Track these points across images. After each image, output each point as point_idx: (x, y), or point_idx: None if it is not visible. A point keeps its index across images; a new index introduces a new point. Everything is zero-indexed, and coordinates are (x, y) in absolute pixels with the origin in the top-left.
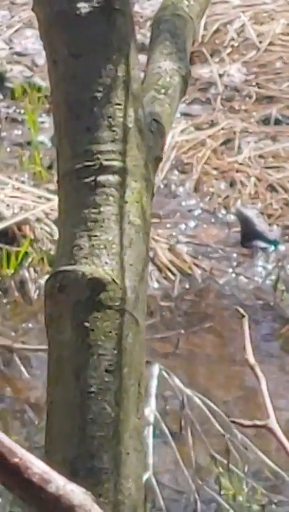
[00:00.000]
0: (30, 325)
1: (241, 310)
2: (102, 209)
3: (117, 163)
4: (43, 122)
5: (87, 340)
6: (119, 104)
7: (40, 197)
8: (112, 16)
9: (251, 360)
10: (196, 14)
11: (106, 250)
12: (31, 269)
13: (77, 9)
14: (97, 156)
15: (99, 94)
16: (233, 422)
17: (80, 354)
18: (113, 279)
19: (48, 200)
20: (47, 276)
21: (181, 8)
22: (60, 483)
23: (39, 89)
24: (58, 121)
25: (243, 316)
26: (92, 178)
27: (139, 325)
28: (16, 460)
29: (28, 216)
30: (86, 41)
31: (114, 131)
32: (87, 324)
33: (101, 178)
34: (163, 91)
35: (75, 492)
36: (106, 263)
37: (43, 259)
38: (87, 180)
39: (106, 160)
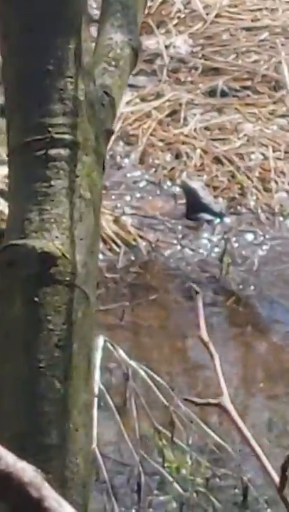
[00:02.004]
0: None
1: (196, 287)
2: (52, 183)
3: (68, 137)
4: None
5: (37, 315)
6: (70, 77)
7: None
8: None
9: (205, 337)
10: None
11: (56, 224)
12: None
13: None
14: (48, 130)
15: (50, 67)
16: (186, 399)
17: (29, 329)
18: (63, 254)
19: None
20: None
21: None
22: (9, 461)
23: None
24: (9, 95)
25: (197, 293)
26: (43, 151)
27: (90, 300)
28: None
29: None
30: (38, 14)
31: (65, 104)
32: (37, 299)
33: (52, 151)
34: (114, 63)
35: (25, 469)
36: (56, 237)
37: None
38: (38, 153)
39: (57, 133)
